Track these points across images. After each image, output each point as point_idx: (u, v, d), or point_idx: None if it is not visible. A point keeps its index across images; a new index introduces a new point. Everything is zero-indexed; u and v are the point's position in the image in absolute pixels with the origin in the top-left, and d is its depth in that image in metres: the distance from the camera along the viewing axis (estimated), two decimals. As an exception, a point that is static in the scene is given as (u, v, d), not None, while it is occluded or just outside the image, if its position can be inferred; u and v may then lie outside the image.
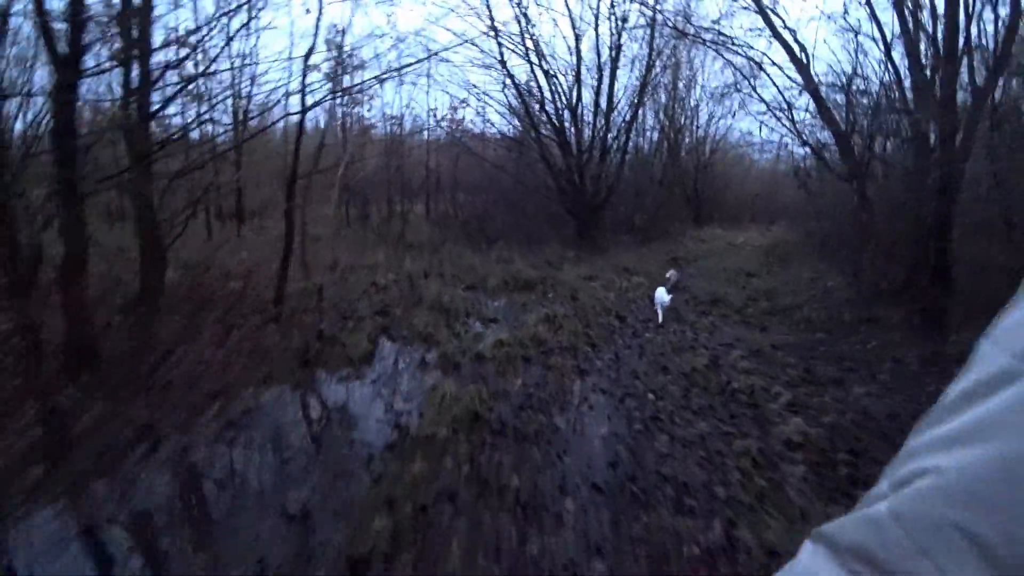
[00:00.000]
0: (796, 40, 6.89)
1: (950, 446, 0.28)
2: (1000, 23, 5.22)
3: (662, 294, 4.98)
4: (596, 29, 9.64)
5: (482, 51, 9.31)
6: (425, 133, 12.01)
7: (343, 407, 2.97)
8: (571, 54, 10.02)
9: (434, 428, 2.56)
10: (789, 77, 7.42)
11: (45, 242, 3.85)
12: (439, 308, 4.72)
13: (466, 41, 8.35)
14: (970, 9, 5.20)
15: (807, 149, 7.99)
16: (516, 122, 11.21)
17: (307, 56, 4.72)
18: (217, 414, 2.75)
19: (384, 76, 6.58)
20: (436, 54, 7.76)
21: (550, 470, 2.31)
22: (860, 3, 6.44)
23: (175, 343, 3.54)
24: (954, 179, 4.93)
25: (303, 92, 4.62)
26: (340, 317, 4.38)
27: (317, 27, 4.93)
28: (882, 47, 6.40)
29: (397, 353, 3.79)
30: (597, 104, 9.99)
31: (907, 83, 6.08)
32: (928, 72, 5.66)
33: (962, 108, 5.28)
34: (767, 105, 7.83)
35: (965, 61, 5.25)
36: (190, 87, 3.97)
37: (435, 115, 11.12)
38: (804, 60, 6.96)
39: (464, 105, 11.05)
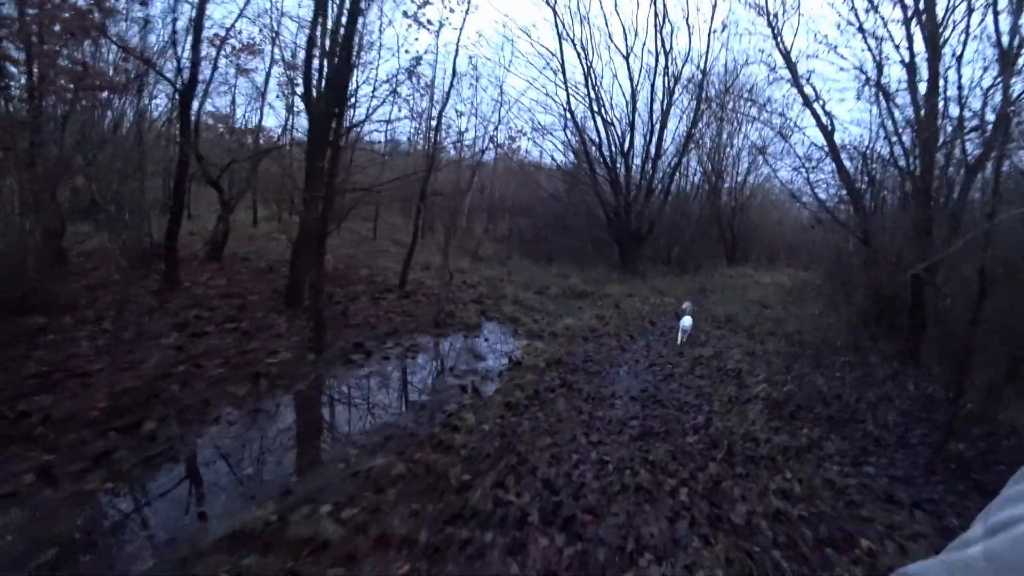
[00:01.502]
0: (824, 110, 8.44)
1: None
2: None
3: (686, 321, 5.72)
4: (652, 84, 11.40)
5: (548, 96, 11.14)
6: (483, 157, 13.79)
7: (470, 349, 4.66)
8: (627, 105, 11.78)
9: (534, 362, 4.22)
10: (814, 143, 8.99)
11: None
12: (518, 303, 6.41)
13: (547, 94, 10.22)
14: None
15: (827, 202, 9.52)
16: (571, 157, 13.04)
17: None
18: (395, 344, 4.48)
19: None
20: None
21: (605, 389, 3.93)
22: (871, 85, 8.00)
23: (346, 304, 5.32)
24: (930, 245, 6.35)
25: (436, 129, 6.45)
26: (449, 301, 6.11)
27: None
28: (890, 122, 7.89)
29: (496, 326, 5.49)
30: (647, 150, 11.69)
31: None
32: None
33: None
34: (799, 159, 9.41)
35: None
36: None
37: (494, 141, 12.82)
38: (829, 127, 8.52)
39: (521, 135, 12.86)
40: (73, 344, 3.42)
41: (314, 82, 4.98)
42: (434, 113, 6.87)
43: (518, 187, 14.77)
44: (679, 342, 5.52)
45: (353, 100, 5.37)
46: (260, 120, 8.09)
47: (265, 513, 1.94)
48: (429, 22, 5.93)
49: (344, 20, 4.39)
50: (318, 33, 4.92)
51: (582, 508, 2.24)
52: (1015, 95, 5.29)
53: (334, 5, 4.80)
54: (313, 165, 4.82)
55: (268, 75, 8.60)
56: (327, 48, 4.76)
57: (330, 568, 1.71)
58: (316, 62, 5.06)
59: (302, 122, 9.18)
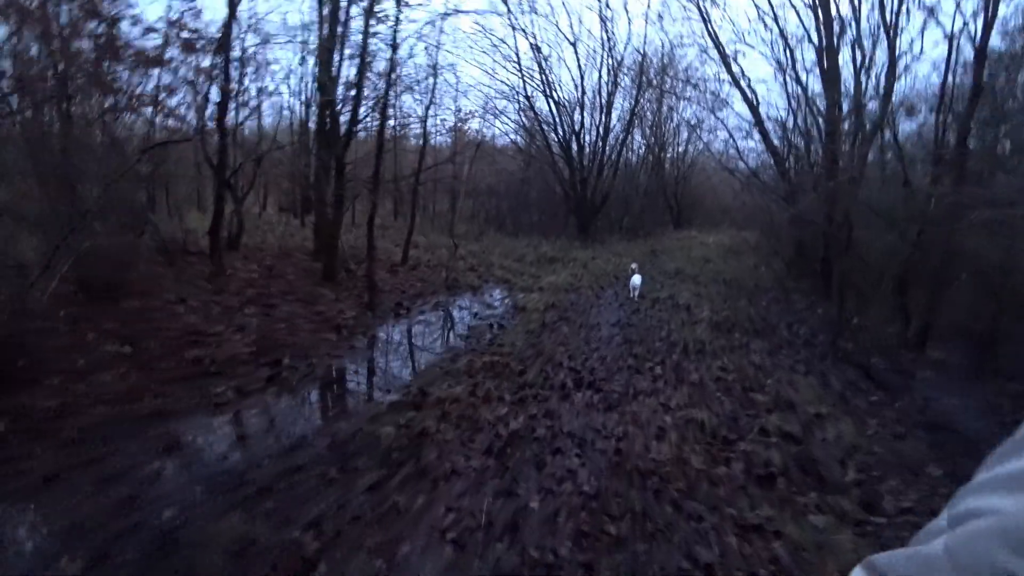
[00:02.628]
0: (750, 88, 9.97)
1: (1012, 488, 0.27)
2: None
3: (636, 279, 6.51)
4: (599, 69, 12.71)
5: (505, 84, 12.27)
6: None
7: (482, 302, 5.89)
8: (576, 88, 13.04)
9: (534, 307, 5.51)
10: (741, 116, 10.56)
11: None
12: (504, 268, 7.66)
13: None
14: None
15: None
16: (526, 138, 14.25)
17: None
18: (424, 302, 5.65)
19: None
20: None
21: (592, 320, 5.25)
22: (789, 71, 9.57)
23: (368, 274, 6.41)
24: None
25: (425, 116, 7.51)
26: (451, 269, 7.29)
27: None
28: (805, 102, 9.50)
29: (494, 285, 6.72)
30: (597, 129, 13.03)
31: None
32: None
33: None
34: (729, 132, 11.03)
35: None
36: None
37: (444, 124, 13.71)
38: (755, 103, 10.08)
39: (472, 116, 13.91)
40: (178, 318, 4.41)
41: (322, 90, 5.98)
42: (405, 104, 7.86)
43: (477, 168, 15.87)
44: (632, 297, 6.55)
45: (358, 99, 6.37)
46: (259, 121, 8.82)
47: (408, 392, 3.14)
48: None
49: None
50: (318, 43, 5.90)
51: (597, 378, 3.56)
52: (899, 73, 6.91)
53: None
54: (327, 161, 5.84)
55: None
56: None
57: (466, 409, 2.94)
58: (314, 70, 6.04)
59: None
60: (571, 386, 3.41)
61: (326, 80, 6.00)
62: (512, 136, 14.77)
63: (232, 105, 5.94)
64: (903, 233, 6.26)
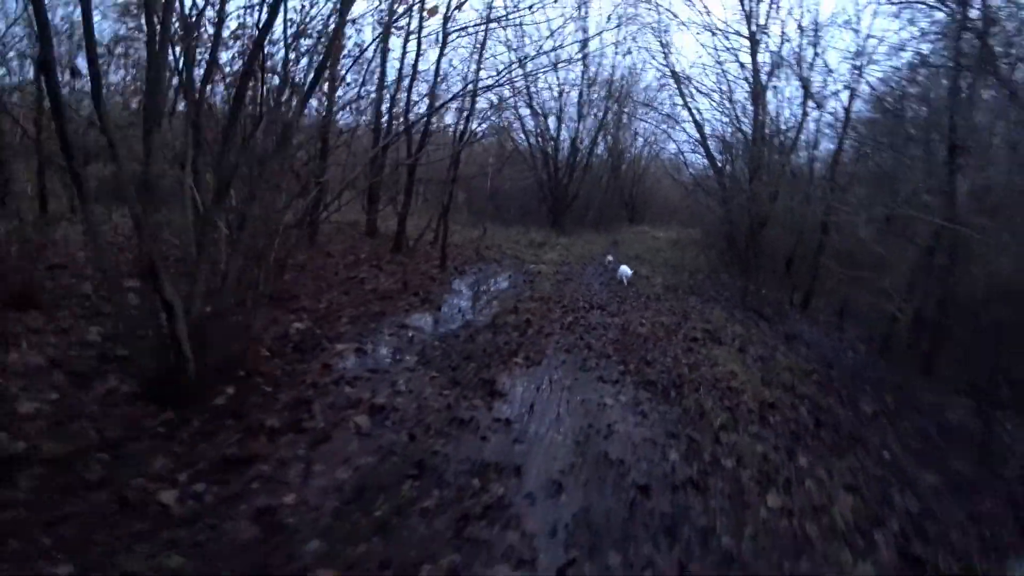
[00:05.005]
0: (697, 110, 13.09)
1: None
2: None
3: (625, 269, 8.48)
4: (578, 87, 15.55)
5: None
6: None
7: (507, 268, 8.57)
8: (555, 100, 15.84)
9: (546, 272, 8.29)
10: (688, 133, 13.71)
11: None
12: (510, 249, 10.36)
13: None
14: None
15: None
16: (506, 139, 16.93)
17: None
18: (470, 267, 8.28)
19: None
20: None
21: (585, 280, 8.07)
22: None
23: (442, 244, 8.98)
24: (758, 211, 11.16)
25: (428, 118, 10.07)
26: (474, 250, 9.89)
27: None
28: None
29: (509, 260, 9.41)
30: (571, 136, 15.93)
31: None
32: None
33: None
34: (677, 145, 14.16)
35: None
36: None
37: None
38: (700, 123, 13.21)
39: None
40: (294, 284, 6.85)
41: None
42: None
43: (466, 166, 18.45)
44: (621, 283, 9.58)
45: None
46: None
47: (503, 307, 5.84)
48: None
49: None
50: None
51: (601, 305, 6.37)
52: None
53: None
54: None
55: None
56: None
57: (541, 313, 5.67)
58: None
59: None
60: (589, 307, 6.20)
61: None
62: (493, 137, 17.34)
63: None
64: (793, 230, 9.47)
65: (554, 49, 7.97)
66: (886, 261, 7.25)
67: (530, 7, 5.99)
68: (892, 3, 8.52)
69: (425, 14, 6.78)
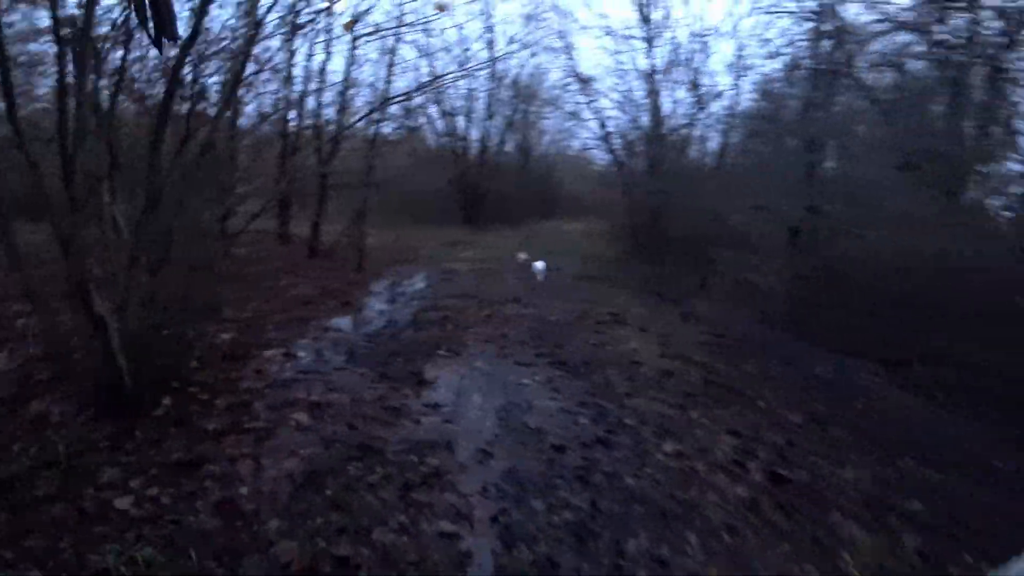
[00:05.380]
0: (600, 108, 13.88)
1: None
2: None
3: (541, 265, 9.50)
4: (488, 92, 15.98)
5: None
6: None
7: (426, 269, 8.82)
8: (465, 100, 16.16)
9: (463, 271, 8.62)
10: (591, 131, 14.52)
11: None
12: (425, 249, 10.62)
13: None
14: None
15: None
16: (416, 138, 17.07)
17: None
18: (388, 269, 8.47)
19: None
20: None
21: (500, 279, 8.51)
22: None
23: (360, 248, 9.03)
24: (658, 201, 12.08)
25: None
26: (393, 251, 10.03)
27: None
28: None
29: (429, 259, 9.65)
30: (481, 138, 16.34)
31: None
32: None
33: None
34: (582, 143, 14.93)
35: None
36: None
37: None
38: (603, 122, 14.03)
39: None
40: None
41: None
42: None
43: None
44: (538, 279, 10.10)
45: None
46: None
47: (423, 306, 6.14)
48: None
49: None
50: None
51: (518, 298, 6.82)
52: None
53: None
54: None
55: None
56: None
57: (460, 309, 6.02)
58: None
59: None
60: (504, 300, 6.64)
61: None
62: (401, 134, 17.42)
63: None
64: (689, 219, 10.42)
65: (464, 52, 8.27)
66: (763, 243, 8.25)
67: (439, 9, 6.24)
68: (765, 12, 9.64)
69: (332, 20, 6.87)
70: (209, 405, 3.24)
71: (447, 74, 8.22)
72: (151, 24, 1.28)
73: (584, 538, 2.34)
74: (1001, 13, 6.96)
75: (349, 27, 6.75)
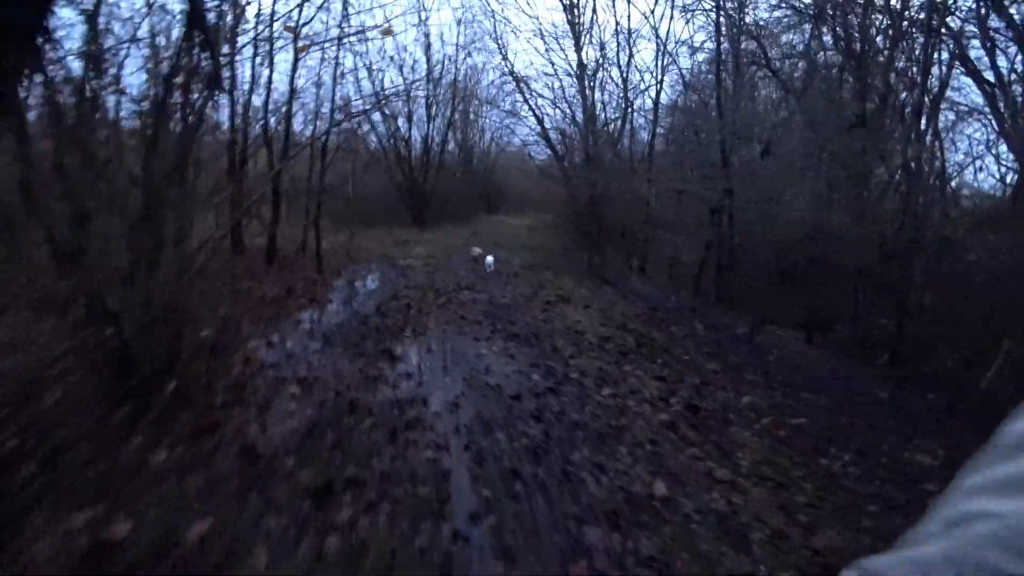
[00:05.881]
0: (537, 106, 14.63)
1: (1009, 491, 0.29)
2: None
3: (491, 259, 10.76)
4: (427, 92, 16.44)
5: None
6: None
7: (380, 267, 9.31)
8: (403, 104, 16.58)
9: (419, 265, 9.17)
10: (530, 127, 15.25)
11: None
12: (377, 248, 11.08)
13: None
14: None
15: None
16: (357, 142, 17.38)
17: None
18: (345, 270, 8.91)
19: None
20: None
21: (452, 271, 9.10)
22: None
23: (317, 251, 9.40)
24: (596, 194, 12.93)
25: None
26: (346, 253, 10.43)
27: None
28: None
29: (382, 259, 10.13)
30: (423, 138, 16.82)
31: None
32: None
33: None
34: (521, 140, 15.65)
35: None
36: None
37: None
38: (541, 117, 14.78)
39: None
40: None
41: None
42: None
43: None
44: (487, 271, 10.76)
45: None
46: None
47: (384, 299, 6.68)
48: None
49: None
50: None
51: (470, 286, 7.44)
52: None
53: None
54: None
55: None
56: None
57: (421, 301, 6.60)
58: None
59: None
60: (459, 288, 7.25)
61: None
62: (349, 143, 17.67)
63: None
64: (624, 207, 11.30)
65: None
66: (687, 225, 9.21)
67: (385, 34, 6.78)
68: (682, 11, 10.58)
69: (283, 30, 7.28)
70: (209, 387, 3.71)
71: (395, 88, 8.67)
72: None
73: (539, 454, 3.01)
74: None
75: (292, 31, 7.17)
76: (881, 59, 8.96)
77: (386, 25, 6.03)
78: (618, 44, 13.08)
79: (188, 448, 2.95)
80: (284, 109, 8.90)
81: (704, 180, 8.92)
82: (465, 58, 17.27)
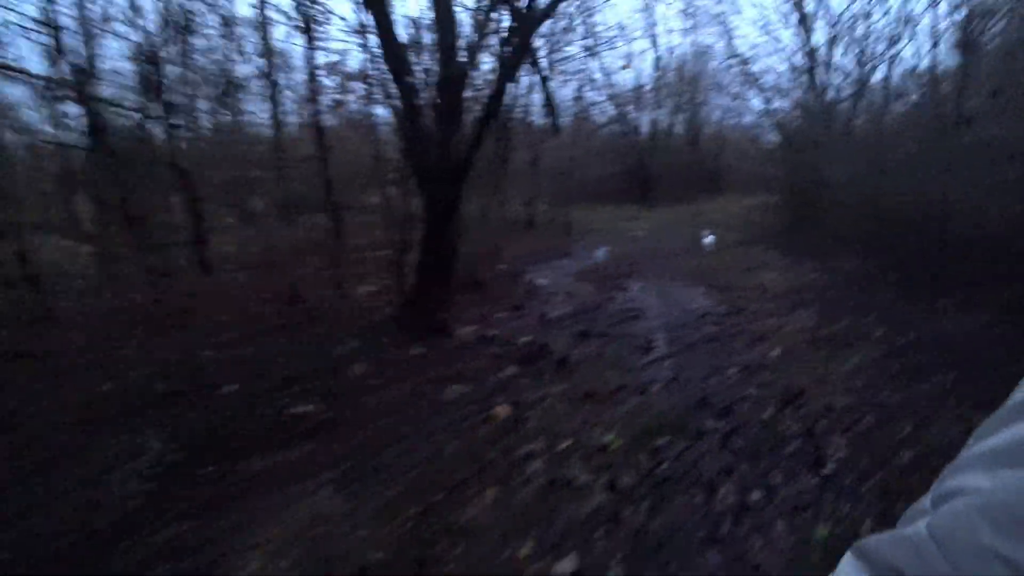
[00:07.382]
0: (761, 85, 15.37)
1: (993, 465, 0.29)
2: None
3: (711, 239, 10.78)
4: (655, 79, 18.20)
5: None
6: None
7: (607, 240, 11.62)
8: (633, 92, 18.57)
9: (637, 236, 11.26)
10: (756, 108, 15.98)
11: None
12: (607, 224, 13.39)
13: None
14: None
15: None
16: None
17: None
18: (584, 237, 11.44)
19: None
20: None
21: (669, 241, 10.97)
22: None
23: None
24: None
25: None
26: (584, 224, 13.01)
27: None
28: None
29: (612, 230, 12.44)
30: (651, 122, 18.61)
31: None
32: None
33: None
34: (751, 118, 16.47)
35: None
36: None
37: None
38: (765, 98, 15.51)
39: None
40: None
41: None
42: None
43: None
44: (707, 250, 12.30)
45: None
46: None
47: (613, 256, 8.97)
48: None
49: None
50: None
51: (686, 251, 9.31)
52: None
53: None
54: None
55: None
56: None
57: (637, 257, 8.74)
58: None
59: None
60: (673, 254, 9.19)
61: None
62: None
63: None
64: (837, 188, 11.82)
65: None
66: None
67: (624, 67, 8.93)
68: None
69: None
70: (511, 292, 6.44)
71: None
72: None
73: (711, 342, 5.00)
74: None
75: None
76: None
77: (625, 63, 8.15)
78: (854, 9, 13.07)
79: (509, 313, 5.62)
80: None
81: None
82: (691, 43, 18.51)
